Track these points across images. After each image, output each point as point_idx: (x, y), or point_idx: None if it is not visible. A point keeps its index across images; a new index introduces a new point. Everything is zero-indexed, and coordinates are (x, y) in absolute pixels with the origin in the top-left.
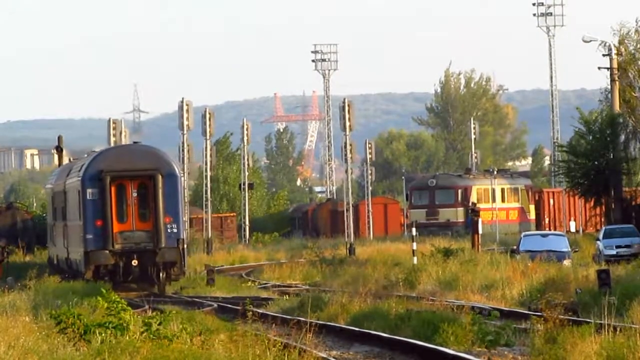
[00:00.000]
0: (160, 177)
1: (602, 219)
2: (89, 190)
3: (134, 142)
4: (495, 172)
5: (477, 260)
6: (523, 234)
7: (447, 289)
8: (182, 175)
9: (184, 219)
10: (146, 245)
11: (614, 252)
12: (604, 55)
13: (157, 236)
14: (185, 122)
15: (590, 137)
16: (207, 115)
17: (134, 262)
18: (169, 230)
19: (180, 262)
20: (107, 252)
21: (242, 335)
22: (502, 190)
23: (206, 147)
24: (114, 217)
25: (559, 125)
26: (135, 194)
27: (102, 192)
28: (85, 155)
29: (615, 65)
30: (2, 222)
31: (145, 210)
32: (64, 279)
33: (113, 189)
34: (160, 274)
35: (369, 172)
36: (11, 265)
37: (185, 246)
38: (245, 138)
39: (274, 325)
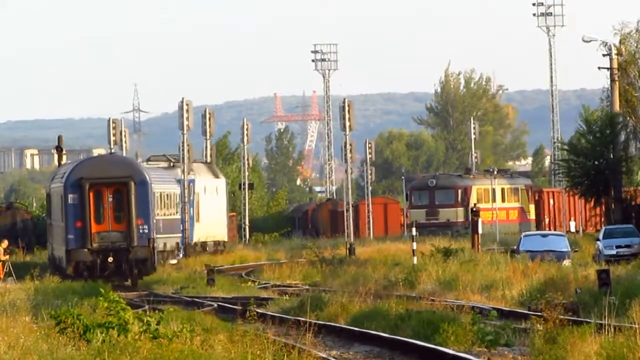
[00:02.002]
0: (132, 184)
1: (602, 219)
2: (70, 196)
3: (110, 153)
4: (495, 172)
5: (477, 260)
6: (523, 234)
7: (447, 289)
8: (152, 182)
9: (154, 220)
10: (120, 244)
11: (613, 252)
12: (604, 55)
13: (130, 236)
14: (185, 122)
15: (591, 137)
16: (207, 115)
17: (110, 259)
18: (140, 231)
19: (150, 259)
20: (86, 250)
21: (242, 335)
22: (502, 190)
23: (206, 147)
24: (92, 219)
25: (559, 125)
26: (110, 199)
27: (82, 197)
28: (69, 162)
29: (615, 65)
30: (2, 222)
31: (120, 213)
32: (64, 278)
33: (91, 194)
34: (133, 270)
35: (369, 172)
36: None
37: (155, 245)
38: (245, 138)
39: (272, 324)
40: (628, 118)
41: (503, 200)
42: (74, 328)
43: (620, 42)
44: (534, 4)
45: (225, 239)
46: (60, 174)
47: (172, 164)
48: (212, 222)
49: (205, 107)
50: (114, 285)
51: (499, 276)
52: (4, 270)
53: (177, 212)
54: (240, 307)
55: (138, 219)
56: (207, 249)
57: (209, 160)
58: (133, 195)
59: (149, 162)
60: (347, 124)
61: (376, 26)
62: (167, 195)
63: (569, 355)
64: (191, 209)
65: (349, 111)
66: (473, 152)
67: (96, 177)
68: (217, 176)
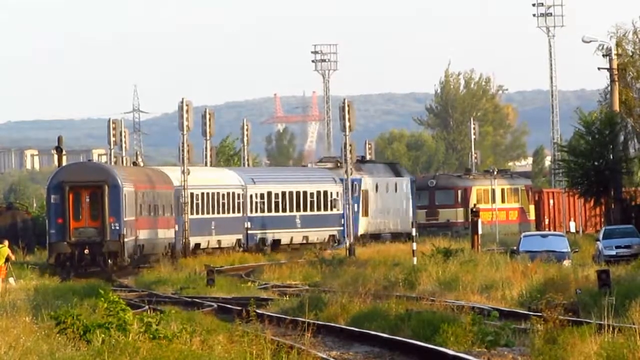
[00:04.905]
0: (106, 187)
1: (602, 220)
2: (52, 196)
3: (88, 160)
4: (495, 173)
5: (477, 260)
6: (523, 234)
7: (447, 289)
8: (124, 186)
9: (124, 219)
10: (95, 239)
11: (613, 252)
12: (604, 55)
13: (104, 232)
14: (185, 123)
15: (590, 138)
16: (207, 116)
17: (86, 251)
18: (112, 228)
19: (121, 252)
20: (65, 243)
21: (241, 335)
22: (502, 190)
23: (206, 148)
24: (71, 216)
25: (559, 125)
26: (87, 199)
27: (62, 198)
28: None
29: (615, 65)
30: (2, 222)
31: (95, 212)
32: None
33: (71, 195)
34: (107, 261)
35: None
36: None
37: (125, 240)
38: (246, 139)
39: (272, 325)
40: (627, 118)
41: (503, 200)
42: (74, 328)
43: (616, 44)
44: (534, 5)
45: (408, 231)
46: (48, 178)
47: (338, 165)
48: (385, 216)
49: (205, 107)
50: (115, 286)
51: (499, 276)
52: (6, 270)
53: (335, 208)
54: (240, 308)
55: (110, 217)
56: (381, 239)
57: (209, 161)
58: (107, 197)
59: (319, 163)
60: (347, 124)
61: (376, 26)
62: (324, 193)
63: (569, 356)
64: (355, 204)
65: (349, 112)
66: (473, 153)
67: (75, 181)
68: (398, 174)
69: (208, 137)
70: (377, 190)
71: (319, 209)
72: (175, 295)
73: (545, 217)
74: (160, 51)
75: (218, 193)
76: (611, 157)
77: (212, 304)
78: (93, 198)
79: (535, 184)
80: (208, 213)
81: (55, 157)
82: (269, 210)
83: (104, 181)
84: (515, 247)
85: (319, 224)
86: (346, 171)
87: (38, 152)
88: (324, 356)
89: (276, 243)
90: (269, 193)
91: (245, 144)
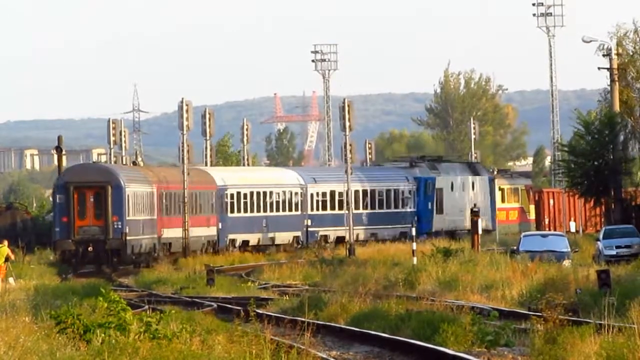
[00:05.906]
0: (109, 187)
1: (602, 219)
2: (58, 196)
3: (93, 162)
4: (495, 173)
5: (477, 260)
6: (523, 234)
7: (447, 289)
8: (127, 186)
9: (127, 218)
10: (99, 237)
11: (613, 252)
12: (604, 55)
13: (107, 230)
14: (185, 122)
15: (590, 138)
16: (207, 116)
17: (90, 249)
18: (115, 226)
19: (123, 249)
20: (70, 241)
21: (241, 335)
22: (502, 190)
23: (206, 147)
24: (76, 215)
25: (559, 125)
26: (91, 199)
27: (67, 198)
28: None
29: (615, 65)
30: (2, 222)
31: (99, 211)
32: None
33: (75, 195)
34: (110, 258)
35: None
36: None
37: (127, 238)
38: (245, 138)
39: (272, 325)
40: (627, 118)
41: (503, 200)
42: (74, 328)
43: (617, 44)
44: (534, 4)
45: (490, 228)
46: (54, 179)
47: (413, 164)
48: (461, 213)
49: (205, 107)
50: (115, 286)
51: (499, 276)
52: (5, 270)
53: (407, 206)
54: (239, 308)
55: (113, 216)
56: (456, 236)
57: (209, 160)
58: (110, 197)
59: (394, 162)
60: (347, 124)
61: (376, 26)
62: (395, 191)
63: (569, 356)
64: (429, 202)
65: (348, 111)
66: (473, 153)
67: (80, 182)
68: (476, 173)
69: (208, 137)
70: (452, 188)
71: (388, 206)
72: (175, 295)
73: (546, 217)
74: (160, 51)
75: (271, 192)
76: (611, 157)
77: (212, 303)
78: (97, 198)
79: (535, 184)
80: (258, 211)
81: (55, 157)
82: (332, 208)
83: (107, 182)
84: (515, 247)
85: (388, 221)
86: (346, 171)
87: (38, 152)
88: (324, 356)
89: (340, 240)
90: (332, 192)
91: (245, 143)
